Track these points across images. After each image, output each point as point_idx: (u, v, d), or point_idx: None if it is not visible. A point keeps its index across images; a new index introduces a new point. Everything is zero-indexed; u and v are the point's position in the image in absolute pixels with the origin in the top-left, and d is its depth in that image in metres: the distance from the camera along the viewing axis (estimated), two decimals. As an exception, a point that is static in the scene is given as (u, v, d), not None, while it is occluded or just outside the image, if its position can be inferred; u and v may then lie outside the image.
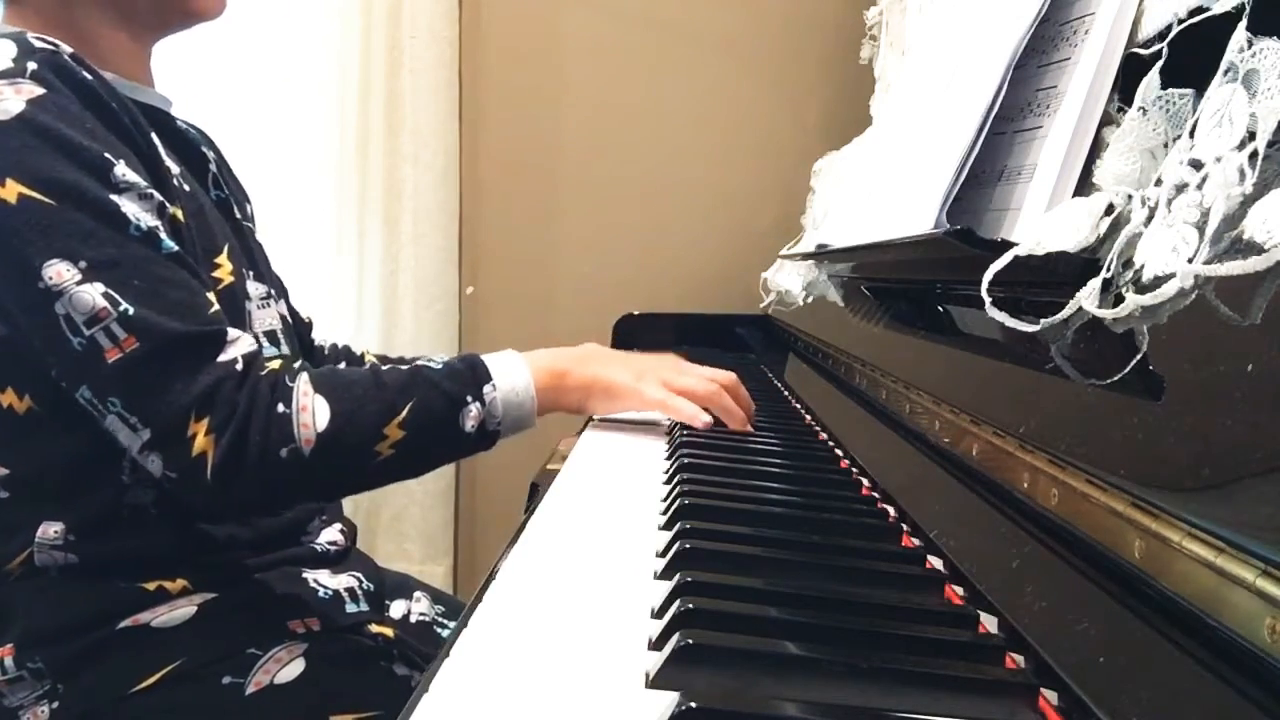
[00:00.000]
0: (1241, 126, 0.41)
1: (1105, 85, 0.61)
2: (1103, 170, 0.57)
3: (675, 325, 1.80)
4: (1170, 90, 0.52)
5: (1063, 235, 0.52)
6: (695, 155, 2.02)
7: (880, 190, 0.95)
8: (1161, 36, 0.54)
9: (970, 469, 0.59)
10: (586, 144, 2.03)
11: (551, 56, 2.02)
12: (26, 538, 0.79)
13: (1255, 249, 0.36)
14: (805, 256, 1.36)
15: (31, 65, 0.74)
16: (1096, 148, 0.60)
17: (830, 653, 0.43)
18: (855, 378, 0.94)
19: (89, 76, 0.77)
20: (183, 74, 1.22)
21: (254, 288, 0.92)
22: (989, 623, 0.50)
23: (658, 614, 0.50)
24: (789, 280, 1.58)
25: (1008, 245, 0.56)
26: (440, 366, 0.83)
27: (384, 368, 0.83)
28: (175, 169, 0.85)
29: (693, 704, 0.37)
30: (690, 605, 0.46)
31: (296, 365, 0.79)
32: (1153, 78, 0.52)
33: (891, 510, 0.70)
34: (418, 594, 1.03)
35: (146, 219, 0.75)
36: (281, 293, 1.07)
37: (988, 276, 0.55)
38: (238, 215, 0.96)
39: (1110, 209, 0.51)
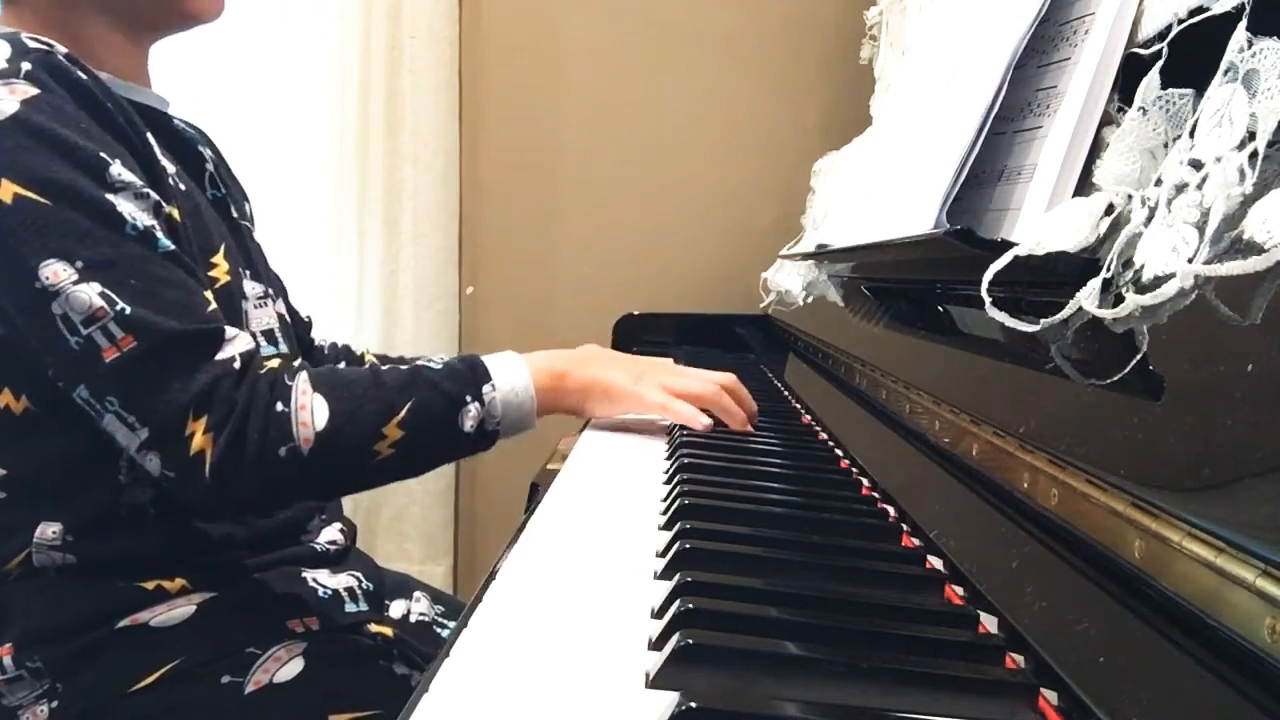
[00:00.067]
0: (1241, 126, 0.41)
1: (1105, 85, 0.61)
2: (1103, 170, 0.57)
3: (675, 325, 1.80)
4: (1170, 90, 0.52)
5: (1063, 235, 0.52)
6: (695, 155, 2.02)
7: (880, 190, 0.95)
8: (1161, 36, 0.54)
9: (970, 469, 0.59)
10: (586, 144, 2.03)
11: (551, 56, 2.02)
12: (25, 538, 0.79)
13: (1255, 249, 0.36)
14: (805, 256, 1.36)
15: (26, 65, 0.74)
16: (1096, 148, 0.60)
17: (830, 653, 0.43)
18: (855, 378, 0.94)
19: (84, 76, 0.77)
20: (182, 74, 1.22)
21: (250, 287, 0.92)
22: (989, 623, 0.50)
23: (658, 614, 0.49)
24: (789, 280, 1.58)
25: (1008, 245, 0.56)
26: (440, 367, 0.82)
27: (384, 368, 0.83)
28: (171, 168, 0.84)
29: (693, 704, 0.37)
30: (690, 605, 0.46)
31: (296, 364, 0.79)
32: (1153, 78, 0.52)
33: (891, 510, 0.70)
34: (417, 594, 1.03)
35: (142, 218, 0.75)
36: (280, 292, 1.06)
37: (988, 276, 0.55)
38: (234, 215, 0.96)
39: (1110, 209, 0.51)
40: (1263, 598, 0.31)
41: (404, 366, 0.82)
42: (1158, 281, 0.42)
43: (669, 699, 0.39)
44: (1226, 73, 0.44)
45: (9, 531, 0.79)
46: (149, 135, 0.82)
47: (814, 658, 0.43)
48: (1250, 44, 0.43)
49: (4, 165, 0.71)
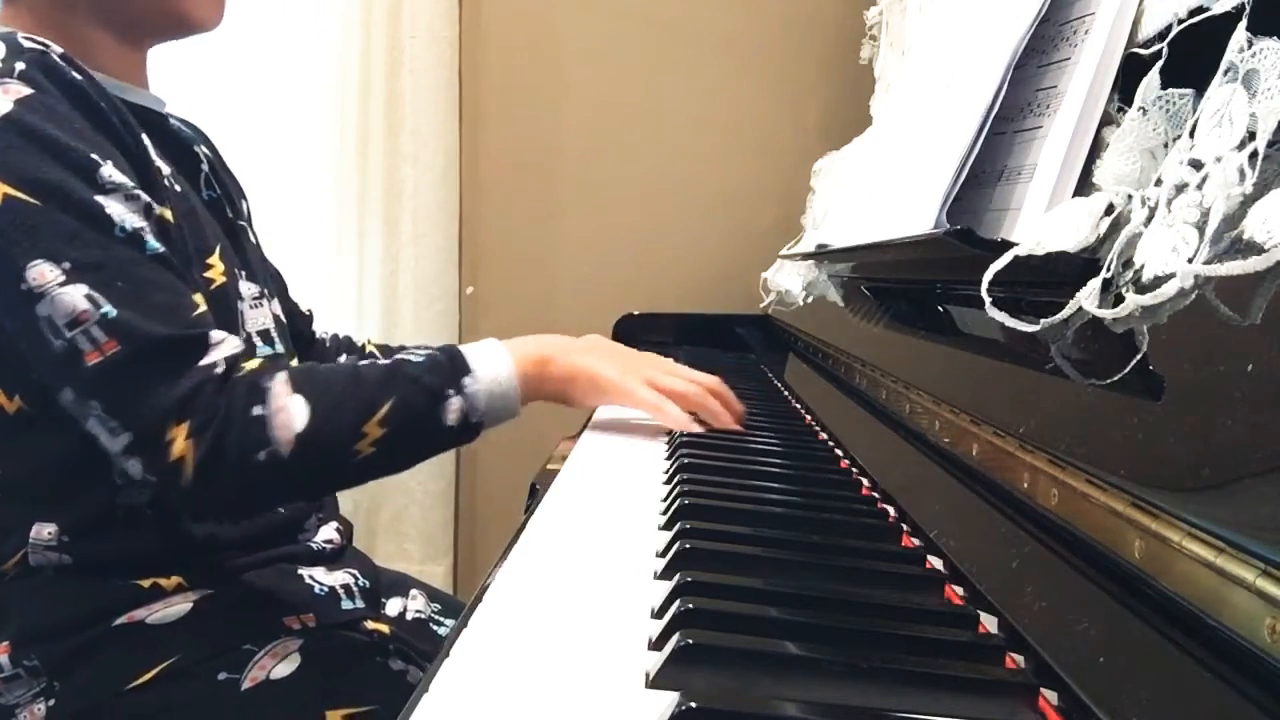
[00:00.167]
0: (1241, 126, 0.41)
1: (1105, 85, 0.61)
2: (1103, 170, 0.57)
3: (675, 325, 1.80)
4: (1170, 90, 0.52)
5: (1063, 235, 0.52)
6: (695, 155, 2.02)
7: (880, 190, 0.95)
8: (1161, 36, 0.54)
9: (970, 469, 0.59)
10: (586, 144, 2.03)
11: (551, 56, 2.02)
12: (21, 538, 0.79)
13: (1255, 249, 0.36)
14: (805, 256, 1.36)
15: (20, 65, 0.74)
16: (1096, 148, 0.60)
17: (830, 653, 0.43)
18: (855, 378, 0.94)
19: (78, 76, 0.77)
20: (182, 73, 1.22)
21: (246, 287, 0.92)
22: (989, 623, 0.50)
23: (658, 614, 0.49)
24: (789, 280, 1.58)
25: (1008, 245, 0.56)
26: (421, 360, 0.82)
27: (363, 363, 0.82)
28: (166, 169, 0.84)
29: (693, 704, 0.37)
30: (690, 605, 0.46)
31: (276, 365, 0.78)
32: (1153, 78, 0.52)
33: (891, 510, 0.70)
34: (414, 591, 1.03)
35: (132, 220, 0.74)
36: (279, 288, 1.06)
37: (988, 276, 0.55)
38: (230, 215, 0.96)
39: (1110, 209, 0.51)
40: (1263, 598, 0.31)
41: (383, 361, 0.82)
42: (1158, 281, 0.42)
43: (669, 699, 0.39)
44: (1226, 73, 0.44)
45: (5, 532, 0.79)
46: (144, 136, 0.82)
47: (814, 658, 0.43)
48: (1250, 44, 0.43)
49: None
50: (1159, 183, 0.46)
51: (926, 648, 0.46)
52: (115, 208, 0.74)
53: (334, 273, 1.98)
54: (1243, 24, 0.43)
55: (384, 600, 0.99)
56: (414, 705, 0.39)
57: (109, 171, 0.74)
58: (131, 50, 0.89)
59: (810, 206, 1.75)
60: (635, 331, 1.76)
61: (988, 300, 0.54)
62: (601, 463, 0.86)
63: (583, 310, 1.95)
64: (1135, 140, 0.54)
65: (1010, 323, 0.53)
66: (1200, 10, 0.51)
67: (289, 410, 0.74)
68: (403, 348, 1.25)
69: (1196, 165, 0.43)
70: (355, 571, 0.94)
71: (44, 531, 0.79)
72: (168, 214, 0.80)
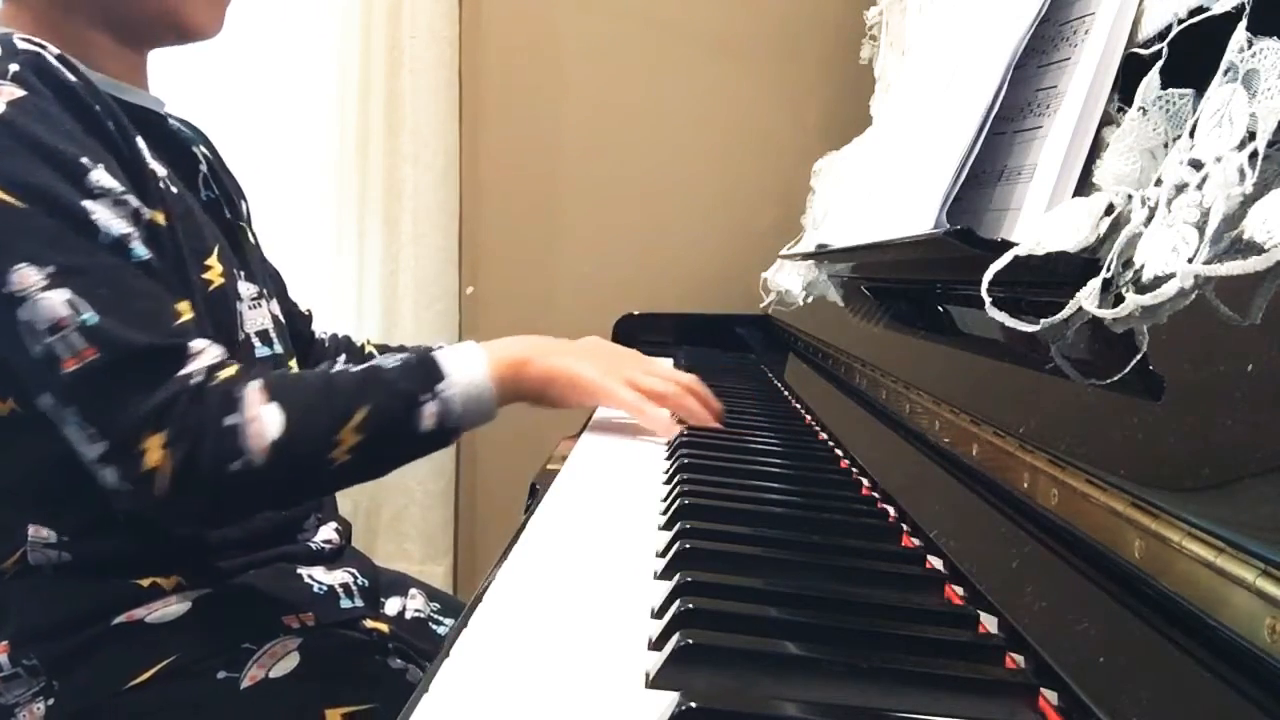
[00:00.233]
0: (1241, 126, 0.41)
1: (1105, 85, 0.61)
2: (1103, 170, 0.57)
3: (675, 325, 1.80)
4: (1170, 90, 0.52)
5: (1063, 235, 0.52)
6: (695, 155, 2.02)
7: (880, 190, 0.95)
8: (1161, 36, 0.54)
9: (970, 469, 0.59)
10: (586, 144, 2.03)
11: (551, 56, 2.02)
12: (20, 537, 0.79)
13: (1255, 249, 0.36)
14: (805, 256, 1.36)
15: (13, 67, 0.74)
16: (1096, 148, 0.60)
17: (830, 653, 0.43)
18: (855, 378, 0.94)
19: (73, 79, 0.77)
20: (182, 73, 1.22)
21: (245, 288, 0.92)
22: (989, 623, 0.50)
23: (658, 614, 0.49)
24: (789, 280, 1.58)
25: (1008, 245, 0.56)
26: (395, 365, 0.81)
27: (337, 370, 0.82)
28: (162, 171, 0.84)
29: (693, 704, 0.37)
30: (690, 605, 0.46)
31: (251, 373, 0.77)
32: (1153, 78, 0.52)
33: (891, 510, 0.70)
34: (413, 591, 1.03)
35: (118, 226, 0.74)
36: (278, 288, 1.06)
37: (988, 276, 0.55)
38: (229, 215, 0.96)
39: (1110, 209, 0.51)
40: (1263, 598, 0.31)
41: (357, 368, 0.81)
42: (1158, 281, 0.42)
43: (669, 699, 0.39)
44: (1226, 73, 0.44)
45: (3, 531, 0.79)
46: (139, 139, 0.82)
47: (814, 658, 0.43)
48: (1250, 44, 0.43)
49: None
50: (1159, 183, 0.46)
51: (926, 648, 0.46)
52: (102, 213, 0.73)
53: (334, 273, 1.98)
54: (1243, 24, 0.43)
55: (383, 599, 0.99)
56: (414, 705, 0.39)
57: (98, 176, 0.74)
58: (131, 52, 0.89)
59: (810, 206, 1.75)
60: (635, 331, 1.76)
61: (988, 300, 0.54)
62: (601, 463, 0.86)
63: (583, 310, 1.95)
64: (1135, 140, 0.54)
65: (1010, 323, 0.53)
66: (1200, 10, 0.51)
67: (263, 419, 0.73)
68: (402, 347, 1.26)
69: (1196, 165, 0.43)
70: (354, 571, 0.94)
71: (43, 531, 0.79)
72: (159, 218, 0.80)
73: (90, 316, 0.70)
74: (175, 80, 1.08)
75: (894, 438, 0.77)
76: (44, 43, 0.78)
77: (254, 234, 1.02)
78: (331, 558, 0.94)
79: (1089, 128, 0.61)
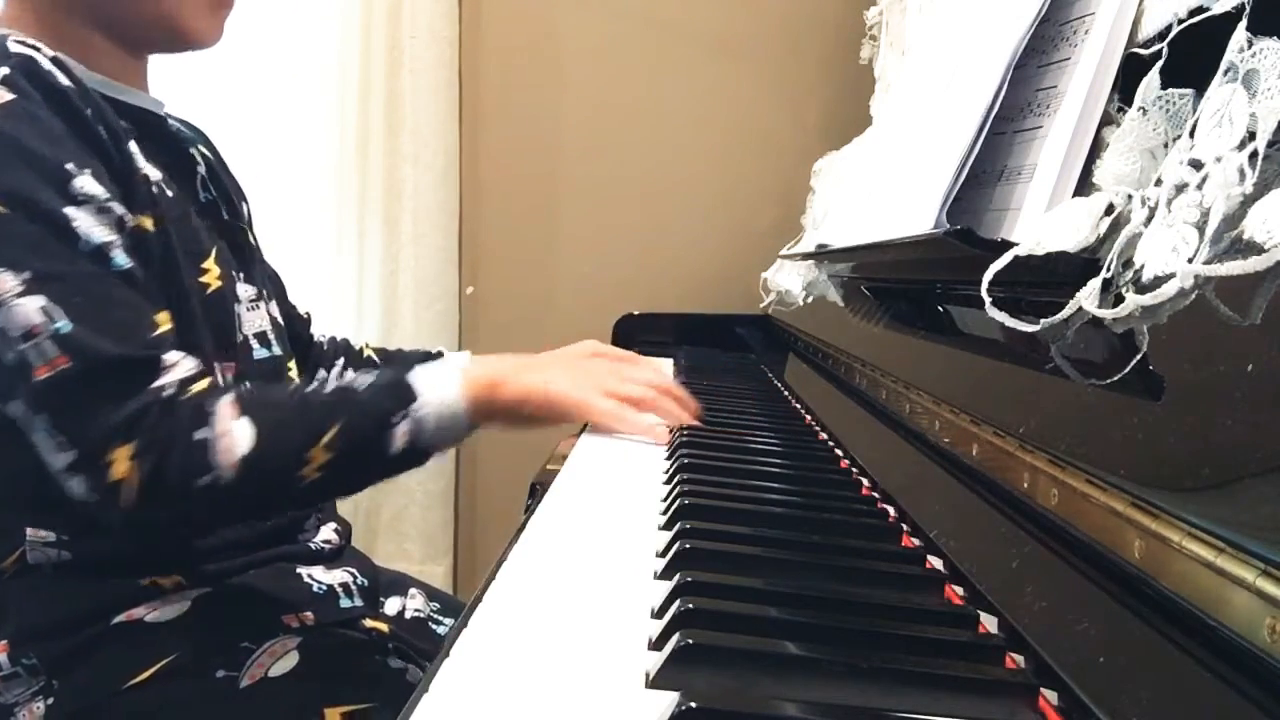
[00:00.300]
0: (1241, 126, 0.41)
1: (1105, 85, 0.61)
2: (1103, 170, 0.57)
3: (675, 325, 1.80)
4: (1170, 90, 0.52)
5: (1063, 235, 0.52)
6: (695, 155, 2.02)
7: (880, 190, 0.95)
8: (1161, 36, 0.54)
9: (970, 469, 0.59)
10: (586, 144, 2.03)
11: (551, 56, 2.02)
12: (19, 536, 0.79)
13: (1255, 249, 0.36)
14: (805, 256, 1.36)
15: (4, 70, 0.74)
16: (1096, 148, 0.60)
17: (830, 653, 0.43)
18: (855, 378, 0.94)
19: (66, 82, 0.76)
20: (182, 74, 1.22)
21: (244, 290, 0.92)
22: (989, 623, 0.50)
23: (658, 614, 0.49)
24: (789, 280, 1.58)
25: (1008, 245, 0.56)
26: (369, 384, 0.80)
27: (310, 387, 0.81)
28: (156, 175, 0.83)
29: (693, 704, 0.37)
30: (690, 605, 0.46)
31: (223, 387, 0.77)
32: (1153, 78, 0.52)
33: (891, 510, 0.70)
34: (413, 590, 1.03)
35: (100, 234, 0.73)
36: (277, 290, 1.06)
37: (988, 276, 0.55)
38: (228, 216, 0.96)
39: (1110, 209, 0.51)
40: (1263, 598, 0.31)
41: (331, 385, 0.81)
42: (1158, 281, 0.42)
43: (669, 699, 0.39)
44: (1226, 73, 0.44)
45: (2, 531, 0.79)
46: (132, 144, 0.81)
47: (814, 658, 0.43)
48: (1250, 44, 0.43)
49: None
50: (1159, 183, 0.46)
51: (926, 648, 0.46)
52: (83, 220, 0.73)
53: (334, 273, 1.98)
54: (1243, 24, 0.43)
55: (383, 599, 0.99)
56: (414, 705, 0.39)
57: (82, 182, 0.73)
58: (129, 54, 0.89)
59: (810, 206, 1.75)
60: (635, 331, 1.76)
61: (988, 300, 0.54)
62: (601, 463, 0.86)
63: (583, 310, 1.95)
64: (1135, 140, 0.54)
65: (1010, 323, 0.53)
66: (1200, 10, 0.51)
67: (233, 434, 0.72)
68: (401, 351, 1.26)
69: (1196, 165, 0.43)
70: (354, 570, 0.94)
71: (41, 530, 0.79)
72: (147, 223, 0.79)
73: (64, 324, 0.70)
74: (175, 80, 1.08)
75: (894, 438, 0.77)
76: (40, 45, 0.78)
77: (254, 236, 1.02)
78: (331, 557, 0.94)
79: (1089, 128, 0.61)
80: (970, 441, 0.58)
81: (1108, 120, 0.61)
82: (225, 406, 0.74)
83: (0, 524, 0.79)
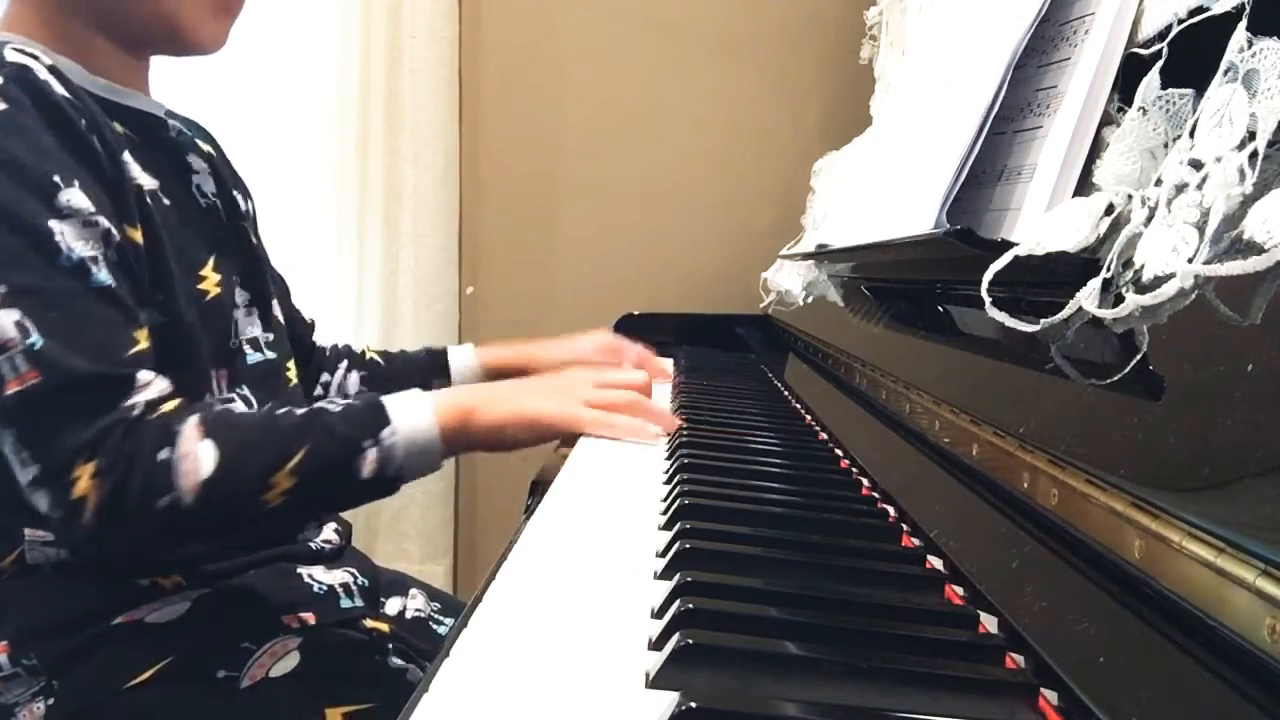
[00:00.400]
0: (1241, 126, 0.41)
1: (1105, 85, 0.61)
2: (1103, 170, 0.57)
3: (675, 325, 1.80)
4: (1170, 90, 0.52)
5: (1063, 235, 0.52)
6: (695, 155, 2.02)
7: (880, 190, 0.95)
8: (1161, 36, 0.54)
9: (970, 469, 0.59)
10: (586, 144, 2.03)
11: (551, 56, 2.03)
12: (17, 537, 0.79)
13: (1255, 249, 0.37)
14: (805, 256, 1.36)
15: None
16: (1096, 148, 0.60)
17: (830, 653, 0.43)
18: (855, 378, 0.94)
19: (62, 93, 0.76)
20: (182, 74, 1.22)
21: (241, 295, 0.92)
22: (989, 623, 0.50)
23: (658, 614, 0.49)
24: (789, 280, 1.58)
25: (1008, 245, 0.56)
26: (340, 409, 0.80)
27: (281, 410, 0.80)
28: (151, 184, 0.83)
29: (693, 704, 0.37)
30: (690, 605, 0.46)
31: (191, 408, 0.76)
32: (1153, 78, 0.53)
33: (891, 510, 0.70)
34: (413, 590, 1.03)
35: (82, 249, 0.73)
36: (280, 290, 1.06)
37: (988, 276, 0.55)
38: (230, 217, 0.96)
39: (1110, 209, 0.51)
40: (1263, 598, 0.31)
41: (301, 410, 0.80)
42: (1158, 281, 0.42)
43: (669, 699, 0.39)
44: (1226, 73, 0.44)
45: (1, 531, 0.79)
46: (127, 154, 0.81)
47: (814, 658, 0.43)
48: (1250, 44, 0.43)
49: None
50: (1159, 183, 0.46)
51: (926, 648, 0.46)
52: (68, 234, 0.72)
53: (334, 273, 1.98)
54: (1243, 24, 0.43)
55: (383, 599, 0.99)
56: (414, 705, 0.39)
57: (68, 195, 0.73)
58: (131, 57, 0.89)
59: (810, 206, 1.75)
60: (635, 331, 1.75)
61: (988, 300, 0.54)
62: (601, 462, 0.86)
63: (583, 310, 1.95)
64: (1135, 140, 0.54)
65: (1010, 323, 0.53)
66: (1200, 10, 0.51)
67: (196, 456, 0.72)
68: (403, 352, 1.26)
69: (1196, 165, 0.43)
70: (354, 570, 0.94)
71: (40, 530, 0.79)
72: (136, 236, 0.79)
73: (36, 340, 0.69)
74: (175, 80, 1.08)
75: (894, 438, 0.77)
76: (39, 53, 0.77)
77: (257, 234, 1.02)
78: (332, 557, 0.94)
79: (1089, 128, 0.61)
80: (970, 441, 0.58)
81: (1108, 120, 0.61)
82: (190, 428, 0.73)
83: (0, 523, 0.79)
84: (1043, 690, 0.42)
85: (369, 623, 0.91)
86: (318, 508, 0.82)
